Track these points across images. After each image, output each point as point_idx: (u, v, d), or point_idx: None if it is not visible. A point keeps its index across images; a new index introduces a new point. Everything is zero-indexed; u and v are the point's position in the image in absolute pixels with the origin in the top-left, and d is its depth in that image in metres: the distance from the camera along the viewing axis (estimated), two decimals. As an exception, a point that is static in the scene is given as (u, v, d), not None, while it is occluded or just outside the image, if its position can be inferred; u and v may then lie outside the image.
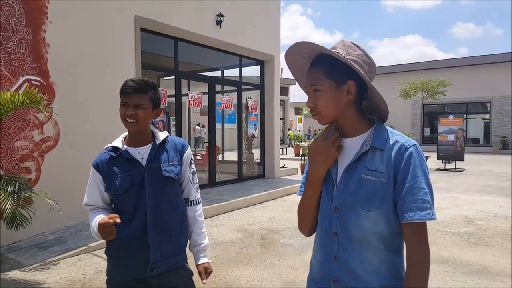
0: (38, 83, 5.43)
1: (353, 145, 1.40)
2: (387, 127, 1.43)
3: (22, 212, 4.20)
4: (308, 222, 1.52)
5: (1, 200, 4.00)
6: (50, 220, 5.17)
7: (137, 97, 1.85)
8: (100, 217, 1.82)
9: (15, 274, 4.27)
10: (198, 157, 10.69)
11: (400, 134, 1.40)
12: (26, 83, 5.28)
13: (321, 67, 1.37)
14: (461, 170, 14.14)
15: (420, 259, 1.30)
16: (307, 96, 1.45)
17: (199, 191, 2.15)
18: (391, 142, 1.35)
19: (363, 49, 1.41)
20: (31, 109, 5.25)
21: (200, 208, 2.13)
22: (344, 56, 1.33)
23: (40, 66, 5.51)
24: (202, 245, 2.09)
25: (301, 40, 1.37)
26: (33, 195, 4.48)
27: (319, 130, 27.51)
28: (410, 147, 1.33)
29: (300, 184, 1.59)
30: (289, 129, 24.37)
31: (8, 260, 4.63)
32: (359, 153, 1.36)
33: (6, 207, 3.95)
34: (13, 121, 5.19)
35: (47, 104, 4.99)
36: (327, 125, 1.51)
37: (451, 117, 15.13)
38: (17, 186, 4.30)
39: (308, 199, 1.49)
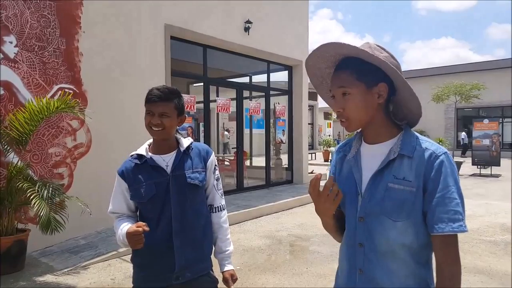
0: (71, 91, 5.57)
1: (379, 152, 1.34)
2: (416, 134, 1.36)
3: (56, 217, 4.33)
4: (336, 235, 1.54)
5: (38, 206, 4.12)
6: (82, 225, 5.29)
7: (162, 106, 1.85)
8: (126, 225, 1.84)
9: (47, 278, 4.38)
10: (226, 163, 10.73)
11: (429, 141, 1.33)
12: (60, 91, 5.45)
13: (350, 69, 1.31)
14: (497, 176, 13.67)
15: (452, 273, 1.24)
16: (332, 103, 1.39)
17: (223, 197, 2.14)
18: (421, 149, 1.29)
19: (389, 51, 1.35)
20: (64, 116, 5.42)
21: (224, 214, 2.12)
22: (378, 57, 1.27)
23: (73, 75, 5.67)
24: (227, 252, 2.07)
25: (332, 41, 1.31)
26: (66, 199, 4.61)
27: (347, 135, 27.15)
28: (441, 155, 1.26)
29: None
30: None
31: (41, 264, 4.76)
32: (386, 161, 1.30)
33: (41, 213, 4.07)
34: (47, 128, 5.35)
35: (80, 111, 5.14)
36: (353, 133, 1.46)
37: (486, 121, 14.67)
38: (51, 192, 4.43)
39: (325, 224, 1.50)
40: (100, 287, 4.17)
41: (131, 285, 2.00)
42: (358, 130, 1.43)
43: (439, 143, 1.34)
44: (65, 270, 4.57)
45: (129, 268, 4.63)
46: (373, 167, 1.34)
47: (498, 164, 13.99)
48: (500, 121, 19.42)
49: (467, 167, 14.91)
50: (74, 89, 5.66)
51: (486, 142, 14.16)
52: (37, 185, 4.42)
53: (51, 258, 4.92)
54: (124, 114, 6.24)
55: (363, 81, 1.30)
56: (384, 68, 1.29)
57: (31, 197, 4.21)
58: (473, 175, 13.90)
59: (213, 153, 2.12)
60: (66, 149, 5.59)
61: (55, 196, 4.49)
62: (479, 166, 14.24)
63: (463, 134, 23.54)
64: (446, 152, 1.28)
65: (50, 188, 4.47)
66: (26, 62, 5.19)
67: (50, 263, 4.78)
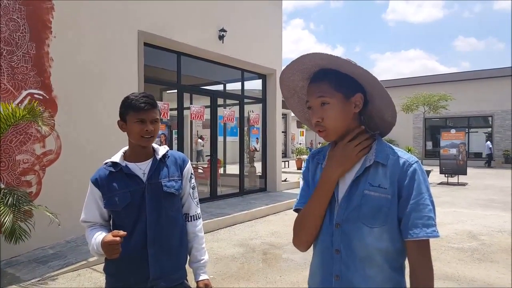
0: (41, 97, 5.45)
1: None
2: (388, 143, 1.41)
3: (21, 225, 4.18)
4: (308, 235, 1.42)
5: (1, 213, 3.98)
6: (50, 234, 5.14)
7: (153, 112, 1.86)
8: (100, 234, 1.79)
9: (13, 289, 4.22)
10: (200, 171, 10.66)
11: (401, 150, 1.39)
12: (29, 97, 5.31)
13: (329, 80, 1.35)
14: (463, 184, 14.02)
15: (425, 276, 1.28)
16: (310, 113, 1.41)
17: (199, 206, 2.12)
18: (394, 158, 1.34)
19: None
20: (33, 122, 5.26)
21: (200, 223, 2.10)
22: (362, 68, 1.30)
23: (43, 80, 5.53)
24: (202, 261, 2.05)
25: (316, 52, 1.33)
26: (33, 208, 4.47)
27: (320, 143, 27.44)
28: (413, 163, 1.32)
29: (296, 198, 1.54)
30: None
31: (7, 275, 4.58)
32: (364, 167, 1.34)
33: (5, 221, 3.93)
34: (15, 134, 5.19)
35: (49, 118, 4.99)
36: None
37: (453, 131, 15.10)
38: (16, 199, 4.28)
39: (314, 208, 1.38)
40: (69, 298, 4.06)
41: (102, 295, 1.96)
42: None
43: (408, 152, 1.39)
44: (33, 280, 4.41)
45: (99, 277, 4.52)
46: (349, 175, 1.37)
47: (465, 173, 14.38)
48: (467, 131, 20.06)
49: (435, 175, 15.29)
50: (44, 94, 5.52)
51: (453, 151, 14.53)
52: (1, 192, 4.28)
53: (18, 269, 4.74)
54: (96, 121, 6.12)
55: (341, 91, 1.34)
56: (366, 78, 1.32)
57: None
58: (441, 183, 14.22)
59: (189, 161, 2.11)
60: (34, 156, 5.43)
61: (22, 204, 4.34)
62: (446, 175, 14.59)
63: (489, 144, 23.32)
64: (417, 161, 1.34)
65: (20, 197, 4.33)
66: (-6, 66, 5.03)
67: (17, 273, 4.61)
